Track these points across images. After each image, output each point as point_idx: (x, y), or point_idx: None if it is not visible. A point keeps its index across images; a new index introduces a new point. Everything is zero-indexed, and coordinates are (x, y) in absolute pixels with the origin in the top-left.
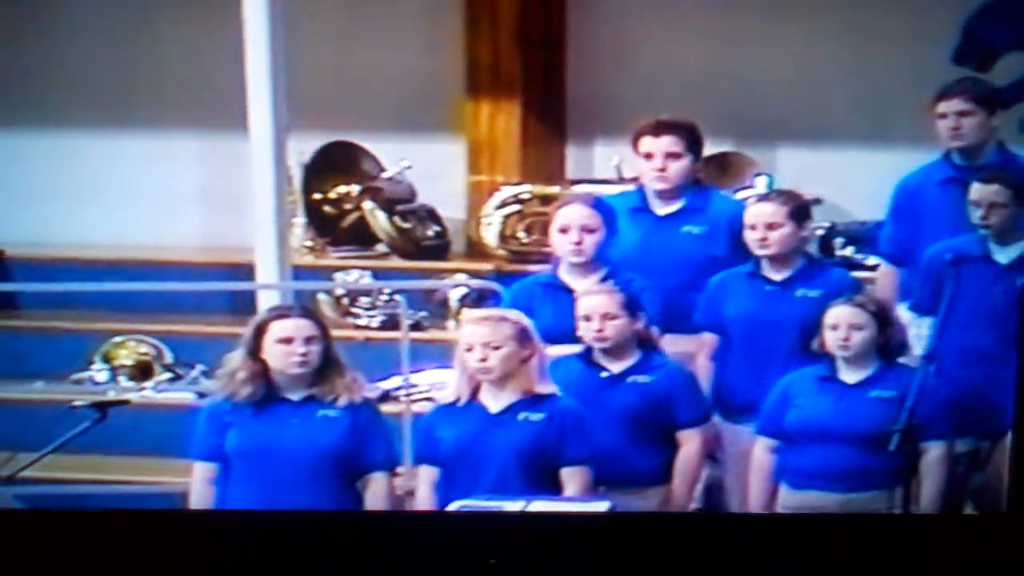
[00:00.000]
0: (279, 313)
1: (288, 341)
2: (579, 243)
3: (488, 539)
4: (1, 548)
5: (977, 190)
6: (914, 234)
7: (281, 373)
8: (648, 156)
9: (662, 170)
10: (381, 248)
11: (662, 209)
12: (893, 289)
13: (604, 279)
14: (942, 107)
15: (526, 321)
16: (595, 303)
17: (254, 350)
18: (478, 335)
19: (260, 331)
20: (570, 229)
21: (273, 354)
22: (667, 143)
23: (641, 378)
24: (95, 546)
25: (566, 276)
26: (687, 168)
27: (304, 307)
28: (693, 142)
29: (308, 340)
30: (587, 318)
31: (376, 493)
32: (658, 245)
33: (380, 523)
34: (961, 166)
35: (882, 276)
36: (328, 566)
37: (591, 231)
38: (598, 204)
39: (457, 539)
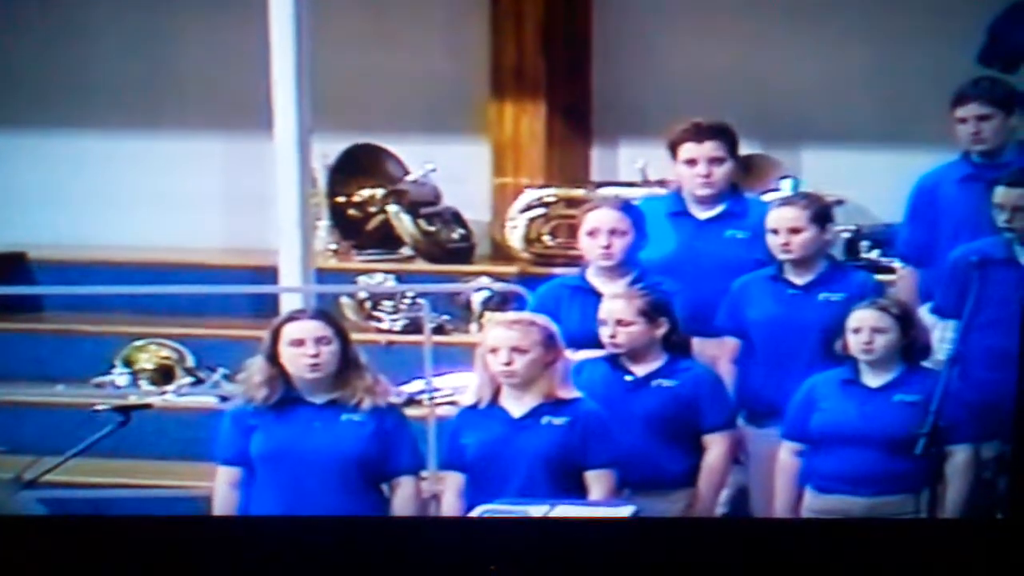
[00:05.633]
0: (291, 316)
1: (299, 343)
2: (608, 247)
3: (490, 546)
4: (23, 553)
5: (1002, 194)
6: (932, 234)
7: (297, 377)
8: (691, 162)
9: (707, 176)
10: (406, 251)
11: (703, 213)
12: (913, 291)
13: (633, 282)
14: (960, 112)
15: (553, 326)
16: (611, 308)
17: (271, 354)
18: (506, 338)
19: (276, 335)
20: (599, 233)
21: (287, 357)
22: (710, 148)
23: (666, 382)
24: (118, 552)
25: (594, 279)
26: (730, 172)
27: (318, 309)
28: (733, 145)
29: (319, 341)
30: (603, 322)
31: (404, 497)
32: (701, 250)
33: (373, 529)
34: (980, 164)
35: (901, 278)
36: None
37: (620, 235)
38: (627, 207)
39: (459, 546)
